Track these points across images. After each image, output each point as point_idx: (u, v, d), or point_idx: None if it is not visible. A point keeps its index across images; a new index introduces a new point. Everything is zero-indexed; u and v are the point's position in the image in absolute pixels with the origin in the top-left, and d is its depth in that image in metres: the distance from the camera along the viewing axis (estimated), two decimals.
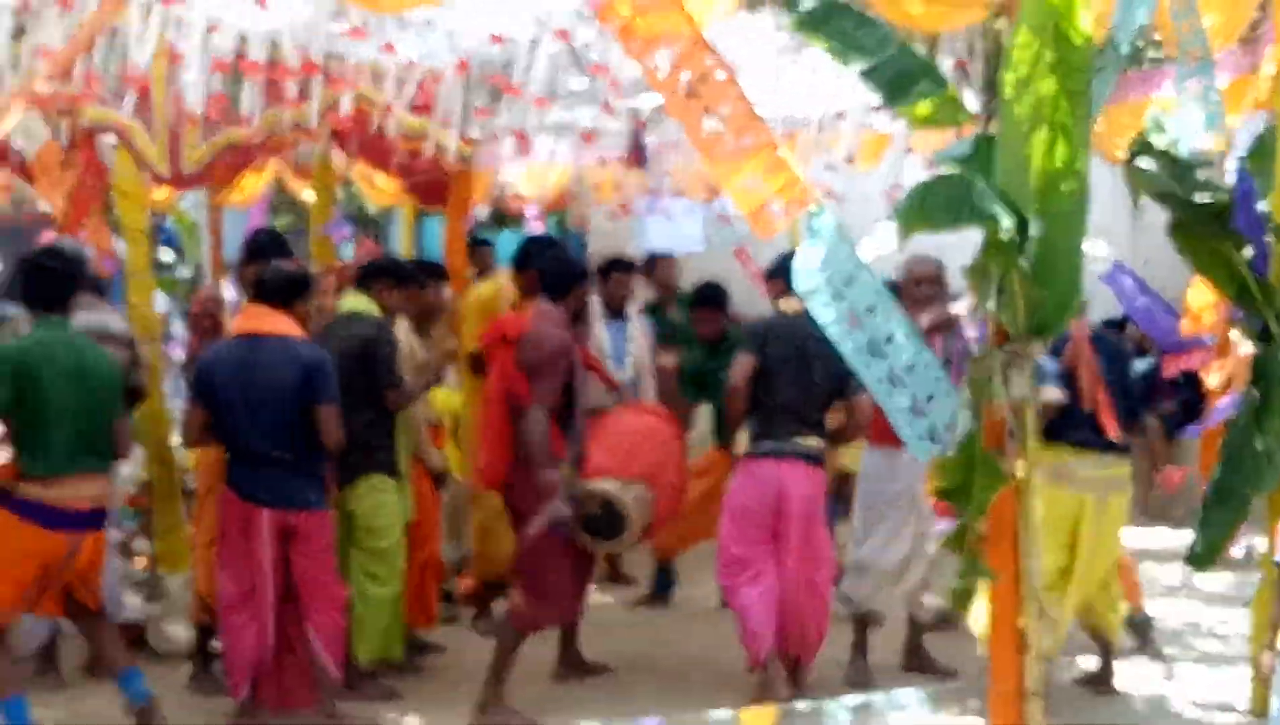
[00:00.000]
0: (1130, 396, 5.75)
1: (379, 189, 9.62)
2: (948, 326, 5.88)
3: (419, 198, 8.98)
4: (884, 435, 5.96)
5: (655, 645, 6.84)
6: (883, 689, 5.77)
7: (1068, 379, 5.49)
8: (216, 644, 5.88)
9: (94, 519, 5.13)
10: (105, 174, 6.65)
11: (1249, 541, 5.11)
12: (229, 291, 8.12)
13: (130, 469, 6.33)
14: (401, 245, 10.70)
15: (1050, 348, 4.69)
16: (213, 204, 9.88)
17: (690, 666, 6.43)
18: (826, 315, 4.09)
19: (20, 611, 5.16)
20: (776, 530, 5.76)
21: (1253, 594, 5.38)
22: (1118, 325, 8.64)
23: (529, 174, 9.55)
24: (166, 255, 11.01)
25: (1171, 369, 6.23)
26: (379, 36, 5.60)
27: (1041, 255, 3.96)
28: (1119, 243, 8.41)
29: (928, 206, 4.05)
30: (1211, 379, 5.50)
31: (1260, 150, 4.96)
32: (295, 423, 5.43)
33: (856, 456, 6.90)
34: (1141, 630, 6.41)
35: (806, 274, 4.11)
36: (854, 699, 4.85)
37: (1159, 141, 5.04)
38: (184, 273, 11.18)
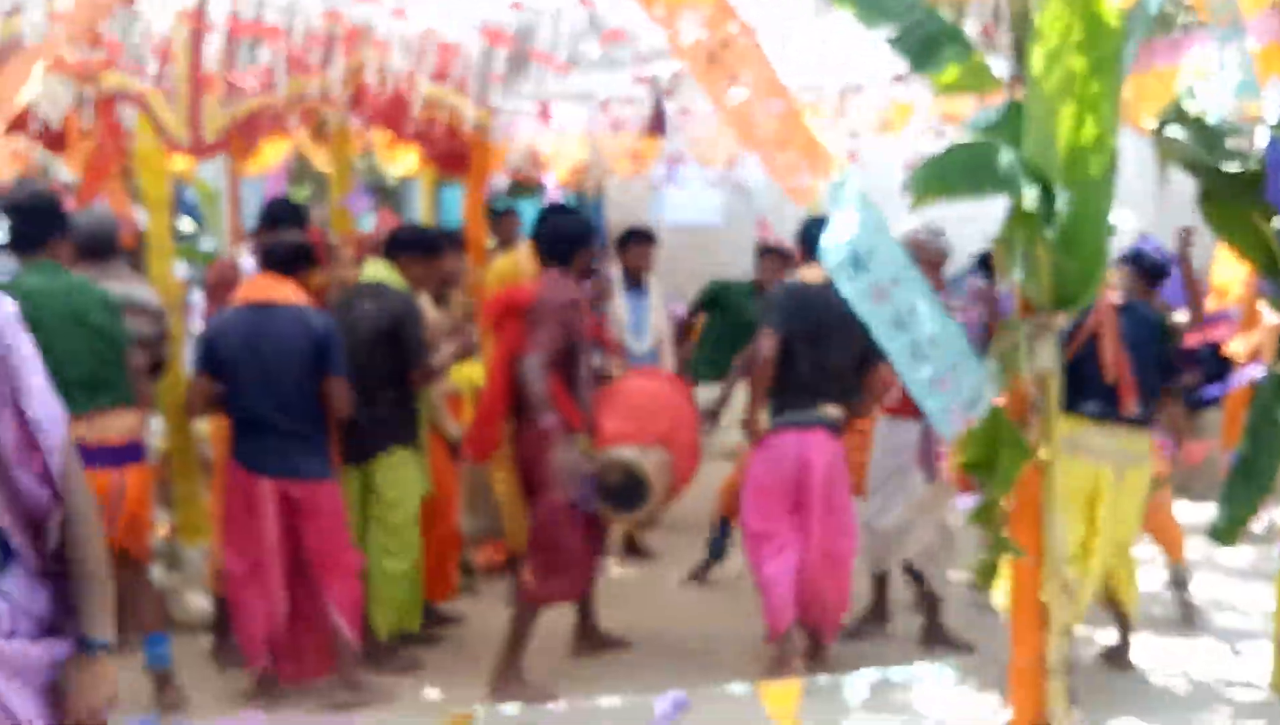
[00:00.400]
0: (1160, 366, 5.68)
1: (398, 158, 9.58)
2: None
3: (438, 167, 8.95)
4: (897, 406, 5.98)
5: (672, 618, 6.83)
6: (903, 663, 5.75)
7: (1089, 350, 5.44)
8: None
9: (130, 453, 5.15)
10: (125, 142, 6.64)
11: (1272, 516, 5.06)
12: (246, 260, 8.11)
13: (150, 440, 6.34)
14: (420, 215, 10.67)
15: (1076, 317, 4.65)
16: (232, 173, 9.86)
17: (708, 640, 6.42)
18: (851, 287, 4.05)
19: None
20: (799, 501, 5.74)
21: (1275, 569, 5.34)
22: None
23: (548, 143, 9.51)
24: (186, 224, 11.00)
25: (1195, 340, 6.18)
26: (393, 3, 5.57)
27: (1068, 226, 3.91)
28: (1145, 212, 8.34)
29: (946, 174, 3.99)
30: (1236, 348, 5.44)
31: None
32: (303, 392, 5.42)
33: None
34: (1181, 585, 6.47)
35: (831, 245, 4.06)
36: (874, 673, 4.82)
37: (1190, 109, 4.96)
38: (204, 242, 11.16)
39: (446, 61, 6.32)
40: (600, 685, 5.54)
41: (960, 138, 4.19)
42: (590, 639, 6.24)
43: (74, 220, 5.41)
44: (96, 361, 5.04)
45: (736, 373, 6.62)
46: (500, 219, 8.95)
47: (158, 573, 6.57)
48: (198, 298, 9.04)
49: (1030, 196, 3.84)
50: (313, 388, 5.40)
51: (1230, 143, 4.96)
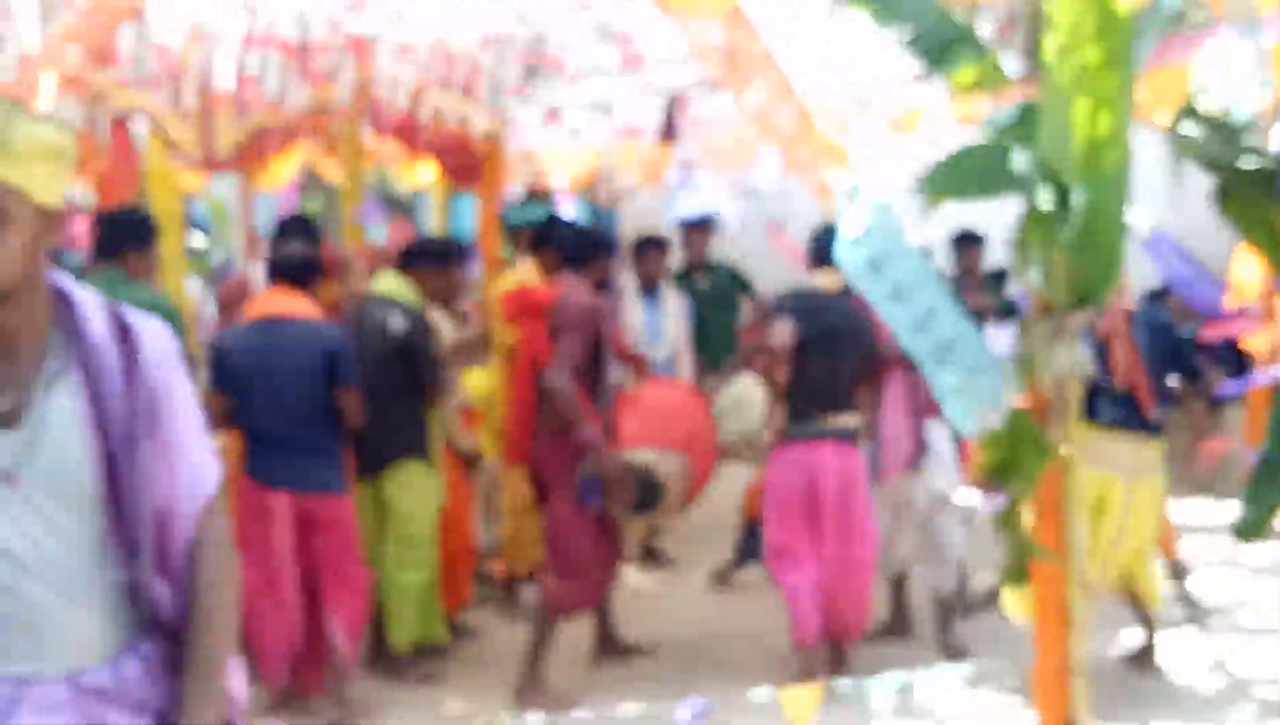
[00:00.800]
0: (1176, 367, 5.66)
1: (410, 170, 9.60)
2: None
3: (450, 178, 8.95)
4: (930, 411, 5.96)
5: (692, 625, 6.82)
6: (924, 667, 5.74)
7: (1101, 354, 5.42)
8: None
9: None
10: (137, 159, 6.66)
11: None
12: (257, 274, 8.12)
13: None
14: (433, 226, 10.68)
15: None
16: (244, 188, 9.89)
17: (729, 646, 6.40)
18: (871, 290, 4.04)
19: None
20: (814, 513, 5.71)
21: None
22: (1159, 296, 8.57)
23: (560, 152, 9.52)
24: (198, 239, 11.03)
25: (1213, 335, 6.15)
26: (406, 14, 5.57)
27: (1084, 225, 3.89)
28: (1159, 210, 8.31)
29: (958, 175, 3.99)
30: (1255, 343, 5.41)
31: None
32: (315, 405, 5.41)
33: None
34: (1180, 580, 6.46)
35: (849, 247, 4.05)
36: (895, 678, 4.81)
37: (1206, 104, 4.94)
38: (216, 256, 11.19)
39: (456, 71, 6.32)
40: (622, 693, 5.55)
41: (974, 139, 4.18)
42: (611, 647, 6.23)
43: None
44: None
45: (737, 362, 6.56)
46: (517, 232, 8.94)
47: None
48: (210, 312, 9.06)
49: (1045, 196, 3.83)
50: (325, 400, 5.39)
51: (1246, 139, 4.94)
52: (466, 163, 8.10)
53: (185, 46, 5.50)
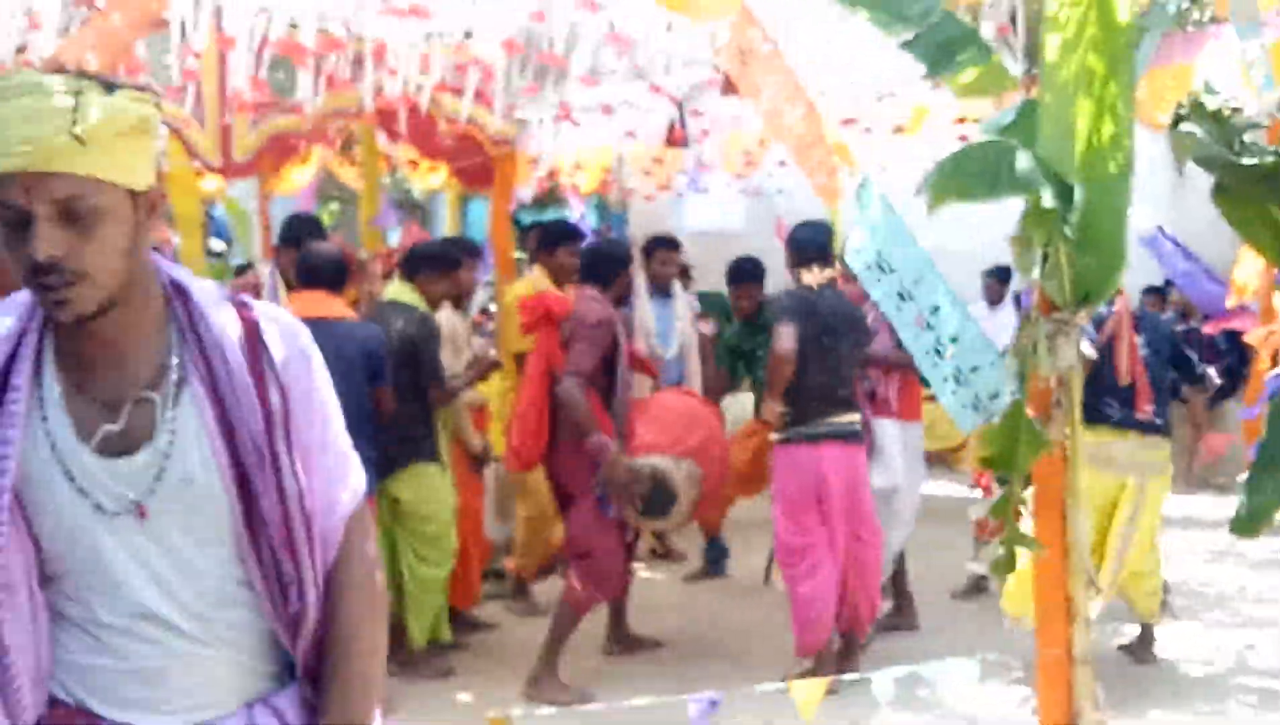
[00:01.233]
0: (1177, 368, 5.72)
1: (425, 174, 9.70)
2: None
3: (464, 182, 9.04)
4: (881, 409, 6.05)
5: (704, 619, 6.90)
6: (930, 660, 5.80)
7: (1105, 355, 5.47)
8: None
9: None
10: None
11: None
12: (266, 276, 8.20)
13: None
14: (447, 229, 10.78)
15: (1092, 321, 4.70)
16: (262, 192, 9.99)
17: (740, 640, 6.49)
18: (877, 288, 4.10)
19: None
20: (822, 512, 5.77)
21: None
22: (1159, 291, 8.63)
23: (572, 155, 9.60)
24: (217, 244, 11.13)
25: (1213, 328, 6.20)
26: (420, 19, 5.64)
27: (1086, 224, 3.94)
28: (1160, 208, 8.36)
29: (961, 176, 4.02)
30: (1254, 340, 5.47)
31: None
32: (357, 405, 5.49)
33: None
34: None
35: (857, 246, 4.12)
36: (902, 670, 4.87)
37: (1210, 103, 4.99)
38: (236, 260, 11.30)
39: (470, 76, 6.40)
40: (635, 686, 5.60)
41: (977, 139, 4.24)
42: (624, 640, 6.32)
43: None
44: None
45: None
46: (528, 233, 9.03)
47: None
48: None
49: (1048, 195, 3.89)
50: (363, 401, 5.46)
51: (1248, 137, 4.99)
52: (480, 166, 8.20)
53: (205, 52, 5.58)
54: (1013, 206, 4.07)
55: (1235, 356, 7.15)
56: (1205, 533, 7.09)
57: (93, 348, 1.91)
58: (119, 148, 1.81)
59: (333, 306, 5.58)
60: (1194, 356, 5.82)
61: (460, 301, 6.81)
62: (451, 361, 6.28)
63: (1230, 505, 5.30)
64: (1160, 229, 6.44)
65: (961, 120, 7.95)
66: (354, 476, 2.10)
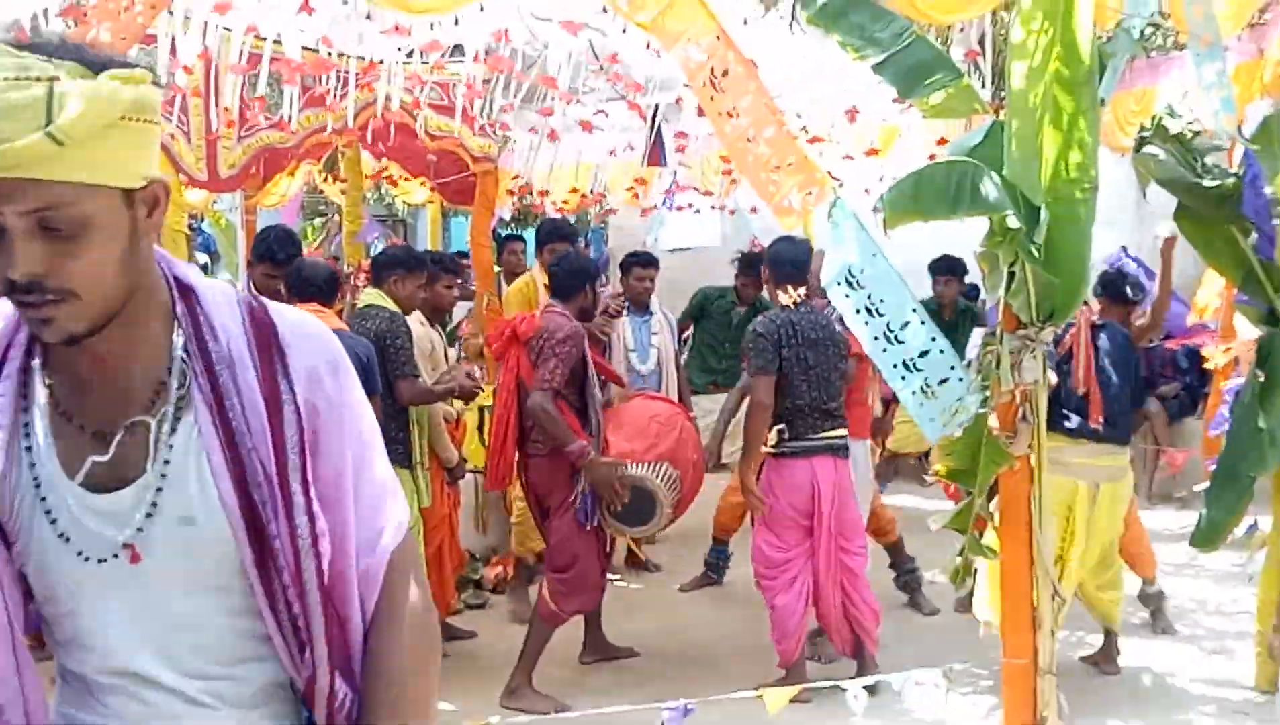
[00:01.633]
0: (1135, 382, 5.82)
1: (408, 190, 9.78)
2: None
3: (446, 197, 9.14)
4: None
5: (680, 628, 6.97)
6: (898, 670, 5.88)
7: (1064, 364, 5.55)
8: None
9: None
10: None
11: (1254, 520, 5.18)
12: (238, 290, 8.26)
13: None
14: (429, 244, 10.87)
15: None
16: (247, 206, 10.07)
17: (715, 649, 6.54)
18: (848, 305, 4.19)
19: None
20: (811, 526, 5.82)
21: (1258, 572, 5.47)
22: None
23: (551, 171, 9.71)
24: (202, 257, 11.18)
25: (1175, 346, 6.31)
26: (404, 37, 5.73)
27: (1051, 243, 4.03)
28: (1124, 229, 8.50)
29: (921, 195, 4.10)
30: (1215, 360, 5.59)
31: (1265, 134, 4.98)
32: None
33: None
34: (1154, 602, 6.56)
35: (830, 265, 4.20)
36: (870, 679, 4.96)
37: (1173, 127, 5.08)
38: (222, 275, 11.36)
39: (453, 93, 6.50)
40: (610, 695, 5.68)
41: (942, 159, 4.33)
42: (599, 649, 6.39)
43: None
44: None
45: (729, 410, 6.78)
46: (506, 246, 9.14)
47: None
48: None
49: (1013, 215, 3.99)
50: None
51: (1209, 160, 5.10)
52: (461, 184, 8.30)
53: (192, 67, 5.66)
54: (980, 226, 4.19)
55: (1195, 374, 7.28)
56: (1166, 546, 7.17)
57: (85, 365, 1.65)
58: (107, 143, 1.51)
59: (328, 319, 5.65)
60: (1156, 369, 5.91)
61: (437, 315, 6.89)
62: (428, 375, 6.34)
63: (1190, 519, 5.42)
64: (1124, 249, 6.57)
65: (943, 141, 8.09)
66: (396, 508, 1.79)
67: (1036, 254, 4.03)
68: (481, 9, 5.48)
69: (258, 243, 6.64)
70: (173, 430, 1.64)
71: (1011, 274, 4.15)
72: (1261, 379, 4.78)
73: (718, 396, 7.82)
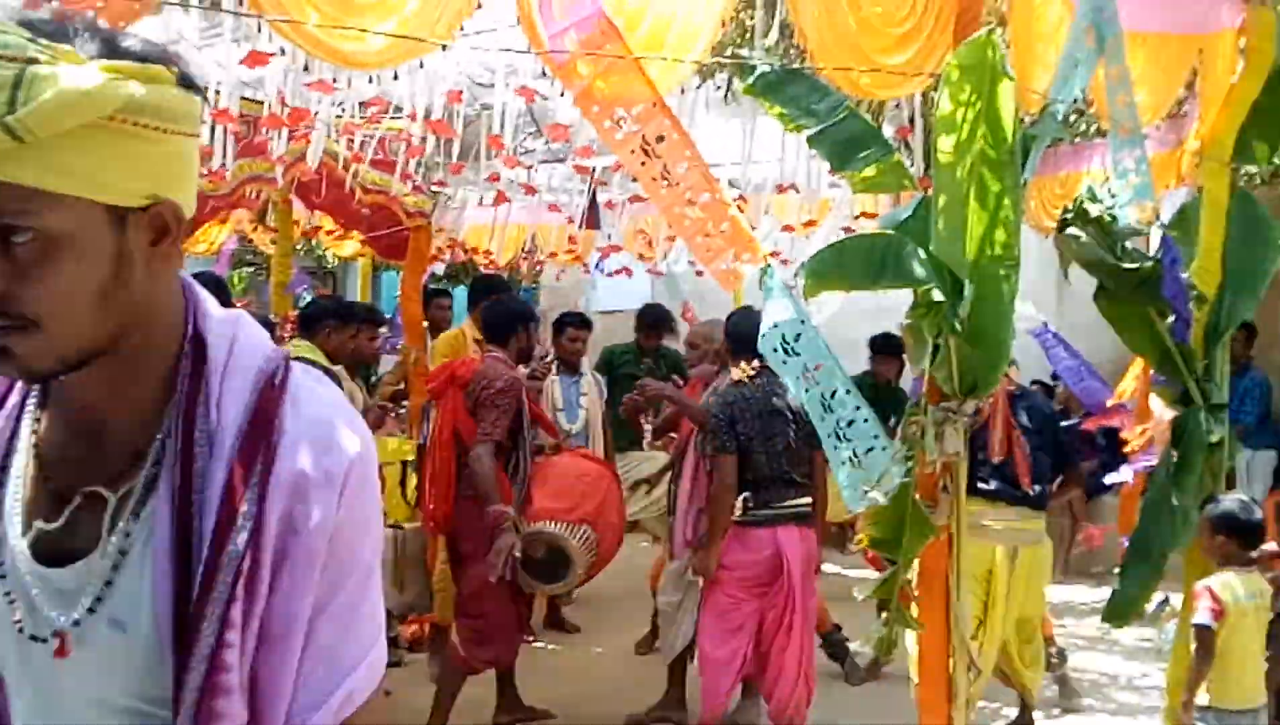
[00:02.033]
0: (1058, 451, 5.92)
1: (338, 242, 9.77)
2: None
3: (377, 251, 9.14)
4: None
5: (596, 690, 6.94)
6: None
7: (982, 434, 5.62)
8: None
9: None
10: None
11: (1165, 596, 5.28)
12: None
13: None
14: (359, 297, 10.84)
15: None
16: None
17: (632, 710, 6.52)
18: (786, 372, 4.24)
19: None
20: (771, 592, 5.74)
21: (1169, 648, 5.55)
22: (1046, 386, 9.03)
23: (485, 229, 9.76)
24: None
25: (1093, 425, 6.44)
26: (343, 91, 5.76)
27: (974, 317, 4.11)
28: (1045, 308, 8.69)
29: (842, 266, 4.16)
30: (1133, 441, 5.70)
31: (1183, 221, 5.13)
32: None
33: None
34: (1058, 664, 6.63)
35: (767, 332, 4.25)
36: None
37: (1093, 210, 5.20)
38: None
39: (389, 148, 6.53)
40: None
41: (867, 232, 4.41)
42: (514, 710, 6.34)
43: None
44: None
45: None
46: (433, 301, 9.13)
47: None
48: None
49: (937, 288, 4.06)
50: None
51: (1128, 244, 5.23)
52: (394, 239, 8.31)
53: None
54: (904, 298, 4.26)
55: (1111, 453, 7.42)
56: (1080, 620, 7.27)
57: (67, 408, 1.41)
58: (87, 146, 1.24)
59: None
60: (1070, 440, 6.02)
61: (360, 367, 6.89)
62: None
63: (1104, 594, 5.50)
64: (1045, 325, 6.71)
65: (869, 215, 8.24)
66: (370, 664, 1.44)
67: (960, 328, 4.10)
68: (421, 65, 5.53)
69: None
70: (135, 514, 1.35)
71: (936, 347, 4.24)
72: (1175, 458, 4.87)
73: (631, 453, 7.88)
